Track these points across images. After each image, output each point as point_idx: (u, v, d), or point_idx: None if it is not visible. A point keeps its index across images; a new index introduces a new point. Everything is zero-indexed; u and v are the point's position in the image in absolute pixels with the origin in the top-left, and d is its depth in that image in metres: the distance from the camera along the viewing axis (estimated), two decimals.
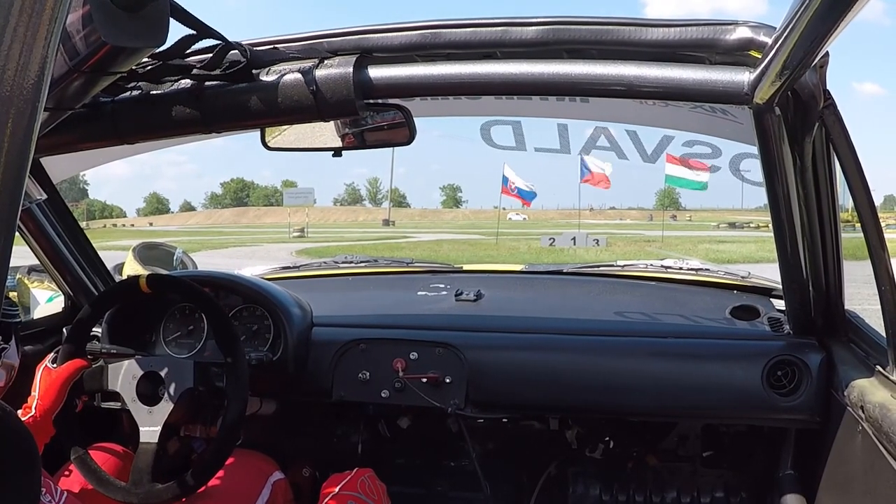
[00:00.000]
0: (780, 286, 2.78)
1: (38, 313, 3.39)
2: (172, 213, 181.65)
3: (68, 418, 2.60)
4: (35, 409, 2.51)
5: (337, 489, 2.55)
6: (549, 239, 39.49)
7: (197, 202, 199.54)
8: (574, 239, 38.21)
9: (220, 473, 2.67)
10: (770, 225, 2.38)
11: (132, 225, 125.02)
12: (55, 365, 2.61)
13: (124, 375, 2.64)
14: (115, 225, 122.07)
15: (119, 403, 2.67)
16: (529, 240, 44.76)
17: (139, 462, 2.57)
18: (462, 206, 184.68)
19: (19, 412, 2.49)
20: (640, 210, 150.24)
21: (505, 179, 38.38)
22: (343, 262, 4.23)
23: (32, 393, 2.56)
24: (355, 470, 2.66)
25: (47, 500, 1.84)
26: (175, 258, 4.55)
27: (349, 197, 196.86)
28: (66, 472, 2.70)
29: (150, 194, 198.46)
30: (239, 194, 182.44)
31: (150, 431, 2.58)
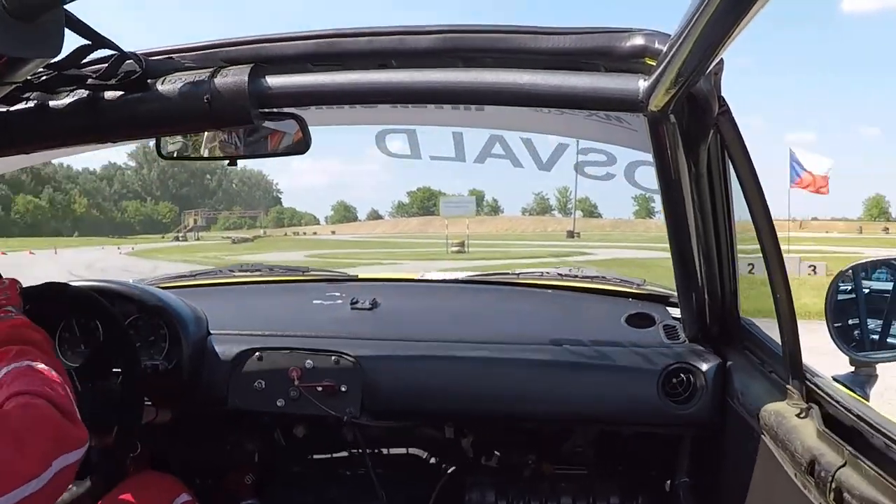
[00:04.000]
0: (676, 294, 2.80)
1: None
2: (360, 221, 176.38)
3: None
4: None
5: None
6: (749, 265, 32.54)
7: (385, 211, 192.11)
8: None
9: (123, 497, 2.58)
10: (666, 232, 2.40)
11: (314, 233, 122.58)
12: None
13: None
14: (296, 233, 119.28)
15: None
16: None
17: None
18: (656, 216, 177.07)
19: None
20: (846, 221, 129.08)
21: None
22: (238, 271, 4.17)
23: None
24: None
25: None
26: None
27: (538, 206, 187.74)
28: None
29: (338, 202, 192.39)
30: (425, 203, 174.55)
31: None
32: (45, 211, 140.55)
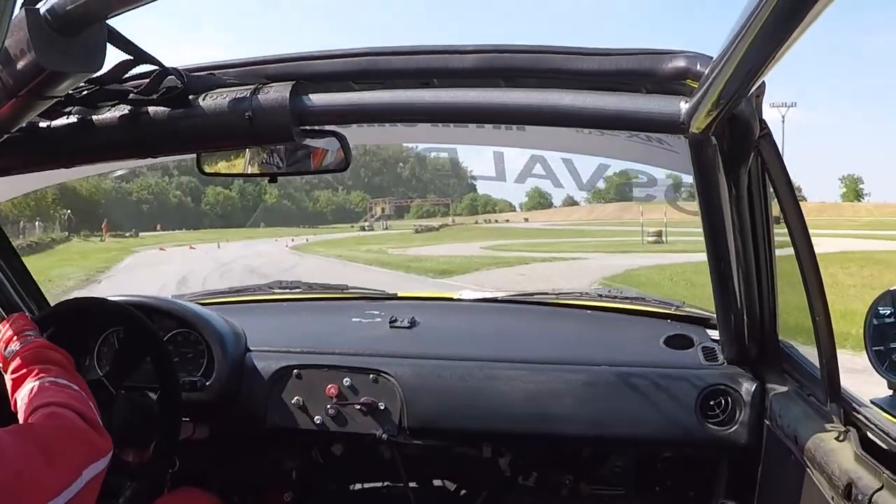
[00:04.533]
0: (715, 316, 2.79)
1: None
2: (555, 207, 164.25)
3: None
4: None
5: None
6: None
7: (581, 196, 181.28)
8: None
9: None
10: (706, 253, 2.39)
11: (507, 221, 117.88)
12: None
13: None
14: (487, 221, 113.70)
15: None
16: None
17: None
18: (865, 198, 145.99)
19: None
20: None
21: None
22: (278, 288, 4.18)
23: None
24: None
25: None
26: None
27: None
28: None
29: (533, 188, 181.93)
30: (622, 188, 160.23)
31: None
32: (234, 202, 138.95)
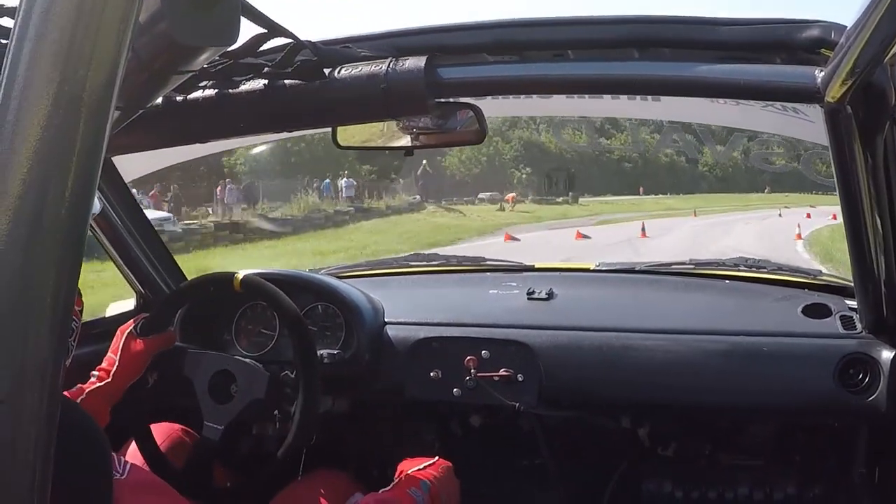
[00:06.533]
0: (853, 284, 2.76)
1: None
2: None
3: (140, 391, 2.64)
4: (112, 375, 2.53)
5: (423, 465, 2.55)
6: None
7: None
8: None
9: (298, 495, 2.70)
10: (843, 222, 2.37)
11: None
12: (139, 334, 2.63)
13: (201, 366, 2.71)
14: None
15: (187, 393, 2.71)
16: None
17: (197, 455, 2.66)
18: None
19: (93, 374, 2.54)
20: None
21: None
22: (414, 261, 4.24)
23: (112, 356, 2.57)
24: (436, 458, 2.64)
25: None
26: None
27: None
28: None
29: None
30: None
31: (212, 428, 2.62)
32: (736, 162, 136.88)
